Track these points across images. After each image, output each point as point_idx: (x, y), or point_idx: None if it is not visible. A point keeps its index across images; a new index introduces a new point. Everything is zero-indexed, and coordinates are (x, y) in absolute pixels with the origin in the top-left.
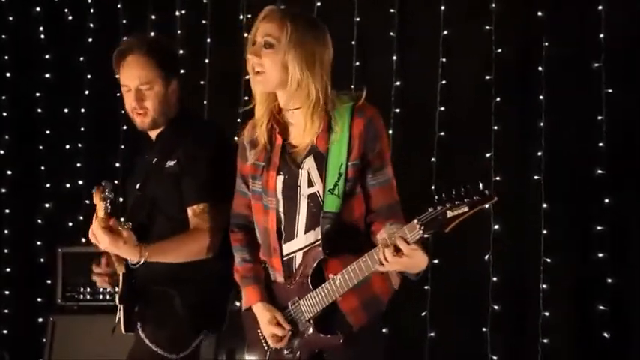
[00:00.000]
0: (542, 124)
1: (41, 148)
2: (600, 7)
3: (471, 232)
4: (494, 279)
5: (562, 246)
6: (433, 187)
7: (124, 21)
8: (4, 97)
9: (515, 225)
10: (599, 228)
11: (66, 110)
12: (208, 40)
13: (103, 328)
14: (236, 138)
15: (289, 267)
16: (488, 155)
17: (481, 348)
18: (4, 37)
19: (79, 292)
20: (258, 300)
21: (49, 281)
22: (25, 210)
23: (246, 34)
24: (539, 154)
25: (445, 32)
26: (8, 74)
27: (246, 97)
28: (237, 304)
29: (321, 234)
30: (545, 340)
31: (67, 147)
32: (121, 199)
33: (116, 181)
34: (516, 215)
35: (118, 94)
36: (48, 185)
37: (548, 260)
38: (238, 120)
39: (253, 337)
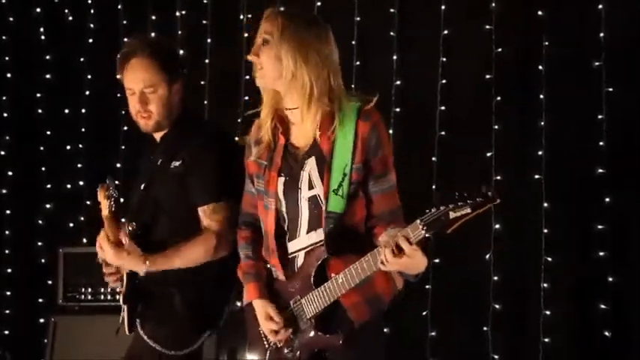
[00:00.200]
0: (542, 123)
1: (42, 148)
2: (600, 6)
3: (471, 232)
4: (495, 278)
5: (563, 245)
6: (435, 188)
7: (125, 21)
8: (4, 98)
9: (516, 224)
10: (599, 227)
11: (66, 111)
12: (209, 41)
13: (104, 329)
14: (237, 138)
15: (291, 266)
16: (488, 155)
17: (482, 347)
18: (4, 37)
19: (80, 293)
20: (256, 297)
21: (50, 282)
22: (26, 210)
23: (246, 34)
24: (540, 153)
25: (445, 32)
26: (9, 75)
27: (246, 97)
28: (239, 304)
29: (324, 234)
30: (546, 340)
31: (68, 147)
32: (122, 200)
33: (117, 182)
34: (517, 214)
35: (119, 95)
36: (49, 186)
37: (549, 259)
38: (238, 120)
39: (255, 334)
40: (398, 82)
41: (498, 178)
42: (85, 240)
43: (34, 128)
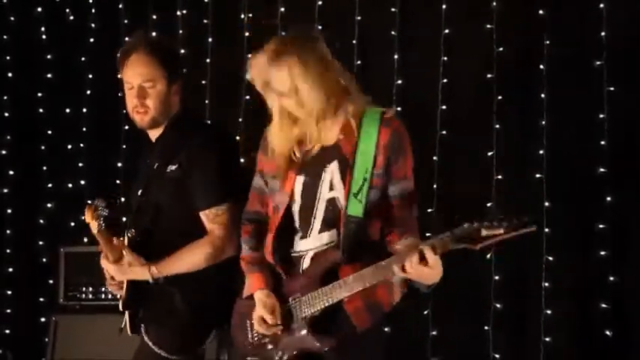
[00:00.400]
0: (543, 122)
1: (43, 148)
2: (601, 6)
3: None
4: (496, 278)
5: (564, 244)
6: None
7: (125, 21)
8: (5, 98)
9: None
10: (600, 226)
11: (67, 110)
12: (209, 40)
13: (105, 328)
14: (237, 138)
15: (296, 264)
16: (489, 154)
17: (483, 347)
18: (5, 37)
19: (81, 292)
20: (261, 287)
21: (51, 281)
22: (27, 210)
23: (247, 34)
24: (541, 152)
25: (446, 31)
26: (10, 74)
27: (247, 97)
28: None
29: (342, 237)
30: (547, 339)
31: (69, 147)
32: (115, 214)
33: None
34: (518, 214)
35: (120, 94)
36: (50, 185)
37: (550, 259)
38: (239, 120)
39: (242, 323)
40: (399, 82)
41: (499, 177)
42: (85, 239)
43: (35, 128)
